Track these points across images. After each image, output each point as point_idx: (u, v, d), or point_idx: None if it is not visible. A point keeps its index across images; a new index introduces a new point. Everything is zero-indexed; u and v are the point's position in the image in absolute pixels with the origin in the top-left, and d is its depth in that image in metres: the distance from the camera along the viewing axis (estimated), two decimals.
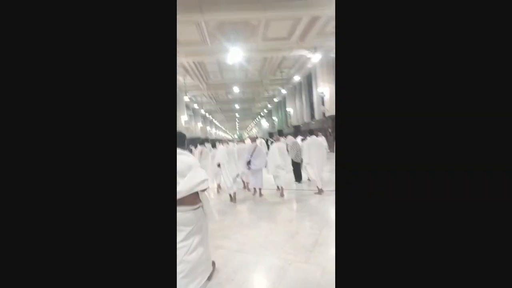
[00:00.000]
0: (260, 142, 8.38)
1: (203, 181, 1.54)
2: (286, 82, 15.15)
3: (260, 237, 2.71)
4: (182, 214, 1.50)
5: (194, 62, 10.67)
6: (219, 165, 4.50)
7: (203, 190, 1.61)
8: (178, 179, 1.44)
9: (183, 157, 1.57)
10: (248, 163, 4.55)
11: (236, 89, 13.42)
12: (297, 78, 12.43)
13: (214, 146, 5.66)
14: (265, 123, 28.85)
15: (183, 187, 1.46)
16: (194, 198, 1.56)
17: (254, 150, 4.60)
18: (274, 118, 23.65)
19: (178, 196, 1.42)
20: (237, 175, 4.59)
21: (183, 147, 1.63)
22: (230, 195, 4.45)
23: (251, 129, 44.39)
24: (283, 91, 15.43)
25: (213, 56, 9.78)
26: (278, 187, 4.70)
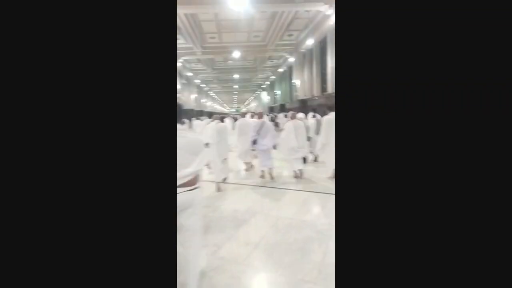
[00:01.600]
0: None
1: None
2: (295, 48, 13.12)
3: None
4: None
5: (186, 16, 8.61)
6: (207, 145, 3.49)
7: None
8: (193, 157, 1.42)
9: (197, 136, 1.59)
10: (254, 142, 3.96)
11: (236, 54, 11.42)
12: (309, 42, 10.42)
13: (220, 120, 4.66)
14: (265, 97, 26.84)
15: (198, 165, 1.41)
16: (195, 178, 1.48)
17: (261, 127, 3.95)
18: (277, 91, 21.66)
19: (191, 176, 1.39)
20: (225, 159, 3.84)
21: (178, 120, 1.43)
22: (217, 184, 3.63)
23: (249, 103, 42.25)
24: (291, 59, 13.41)
25: (210, 8, 7.76)
26: (295, 172, 4.07)
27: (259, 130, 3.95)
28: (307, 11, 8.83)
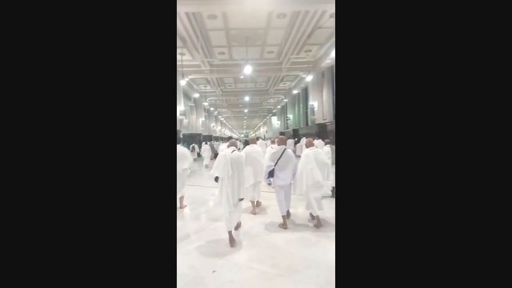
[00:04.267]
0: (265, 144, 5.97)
1: None
2: (313, 66, 11.80)
3: None
4: None
5: (191, 24, 7.44)
6: (216, 179, 2.74)
7: None
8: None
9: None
10: (270, 174, 3.10)
11: (248, 70, 10.10)
12: (334, 54, 8.98)
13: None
14: (275, 122, 25.45)
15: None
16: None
17: (281, 155, 3.11)
18: (289, 116, 20.22)
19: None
20: (240, 200, 2.78)
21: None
22: (229, 235, 2.68)
23: (258, 128, 41.14)
24: (308, 78, 12.01)
25: (217, 8, 6.52)
26: (311, 216, 3.28)
27: (278, 159, 3.08)
28: (331, 16, 7.50)
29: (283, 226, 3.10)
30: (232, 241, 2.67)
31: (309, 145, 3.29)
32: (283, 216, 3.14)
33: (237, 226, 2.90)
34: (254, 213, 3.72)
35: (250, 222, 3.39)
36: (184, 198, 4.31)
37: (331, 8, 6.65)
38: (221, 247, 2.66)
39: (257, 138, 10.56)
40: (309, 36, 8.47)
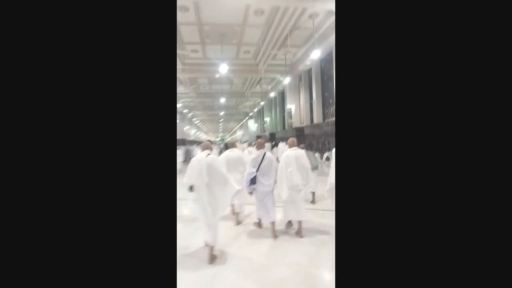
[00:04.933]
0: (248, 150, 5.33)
1: None
2: (290, 68, 11.53)
3: None
4: None
5: None
6: (191, 188, 2.35)
7: None
8: None
9: None
10: (252, 181, 2.85)
11: (223, 69, 9.46)
12: (315, 56, 8.73)
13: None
14: (253, 125, 24.99)
15: None
16: None
17: (262, 160, 2.90)
18: (266, 119, 19.87)
19: None
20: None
21: None
22: (210, 251, 2.31)
23: (235, 132, 40.46)
24: (285, 81, 11.69)
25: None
26: (289, 223, 3.07)
27: (259, 164, 2.90)
28: (310, 17, 7.24)
29: (273, 234, 2.87)
30: (211, 258, 2.32)
31: (291, 145, 3.04)
32: (259, 220, 3.04)
33: (212, 258, 2.36)
34: (237, 223, 3.38)
35: (230, 232, 3.08)
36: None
37: (311, 7, 6.36)
38: (197, 263, 2.30)
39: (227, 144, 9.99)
40: (287, 37, 8.14)
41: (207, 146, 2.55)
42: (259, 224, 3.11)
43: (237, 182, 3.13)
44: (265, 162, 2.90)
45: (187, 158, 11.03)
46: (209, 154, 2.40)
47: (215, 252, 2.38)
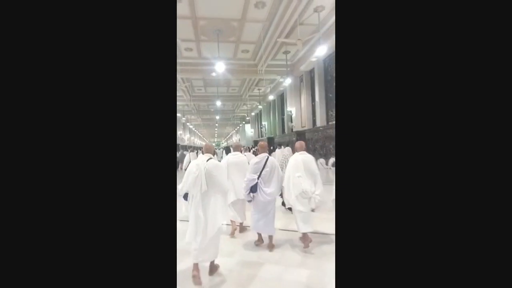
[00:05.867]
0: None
1: None
2: (291, 69, 10.90)
3: None
4: None
5: None
6: (185, 197, 2.11)
7: None
8: None
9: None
10: (252, 189, 2.54)
11: (219, 68, 8.73)
12: (320, 53, 8.06)
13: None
14: (249, 130, 24.25)
15: None
16: None
17: (264, 165, 2.60)
18: (264, 123, 19.17)
19: None
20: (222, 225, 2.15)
21: None
22: (194, 268, 1.98)
23: (231, 137, 39.68)
24: (286, 82, 11.03)
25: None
26: (303, 234, 2.61)
27: (261, 170, 2.58)
28: (316, 10, 6.62)
29: (270, 247, 2.61)
30: (212, 269, 2.10)
31: (299, 149, 2.74)
32: (259, 235, 2.74)
33: (213, 269, 2.13)
34: (233, 235, 3.01)
35: (229, 247, 2.73)
36: None
37: None
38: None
39: (230, 147, 9.21)
40: (289, 34, 7.50)
41: (209, 149, 2.24)
42: (260, 240, 2.76)
43: (232, 191, 2.91)
44: (268, 168, 2.62)
45: (181, 159, 10.21)
46: (210, 159, 2.11)
47: (217, 262, 2.16)
